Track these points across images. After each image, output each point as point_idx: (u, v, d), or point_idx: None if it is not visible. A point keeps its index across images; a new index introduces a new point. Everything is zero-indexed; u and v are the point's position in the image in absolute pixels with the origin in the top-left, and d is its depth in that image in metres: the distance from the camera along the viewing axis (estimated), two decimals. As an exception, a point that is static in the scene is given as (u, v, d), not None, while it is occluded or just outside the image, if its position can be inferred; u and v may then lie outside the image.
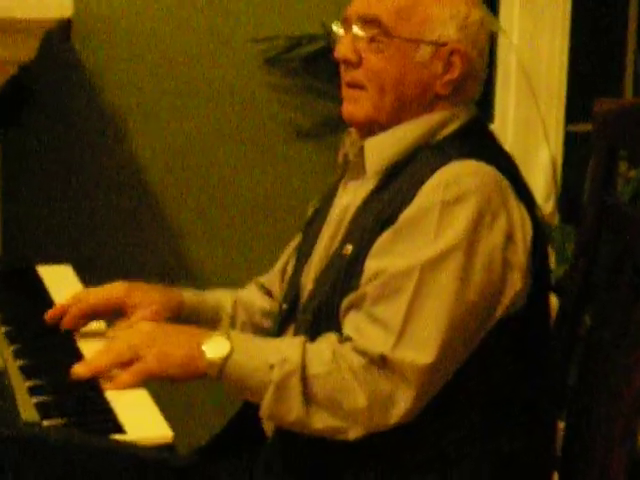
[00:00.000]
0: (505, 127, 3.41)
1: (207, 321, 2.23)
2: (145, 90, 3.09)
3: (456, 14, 2.01)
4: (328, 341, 1.94)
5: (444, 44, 1.98)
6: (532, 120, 3.32)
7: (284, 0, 3.13)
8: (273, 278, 2.32)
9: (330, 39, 2.22)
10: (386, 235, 1.93)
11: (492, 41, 3.26)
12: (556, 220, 3.23)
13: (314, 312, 2.06)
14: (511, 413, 2.03)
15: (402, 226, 1.94)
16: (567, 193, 3.32)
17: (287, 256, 2.29)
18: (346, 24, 2.02)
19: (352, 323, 1.94)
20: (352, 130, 2.06)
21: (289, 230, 2.40)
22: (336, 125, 2.29)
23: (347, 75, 2.02)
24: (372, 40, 1.99)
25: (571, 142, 3.41)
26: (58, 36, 2.88)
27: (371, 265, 1.94)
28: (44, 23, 2.74)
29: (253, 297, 2.33)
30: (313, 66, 3.02)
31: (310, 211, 2.25)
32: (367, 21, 1.99)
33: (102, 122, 3.11)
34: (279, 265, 2.30)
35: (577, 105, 3.45)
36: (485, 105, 3.37)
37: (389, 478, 1.98)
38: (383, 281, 1.92)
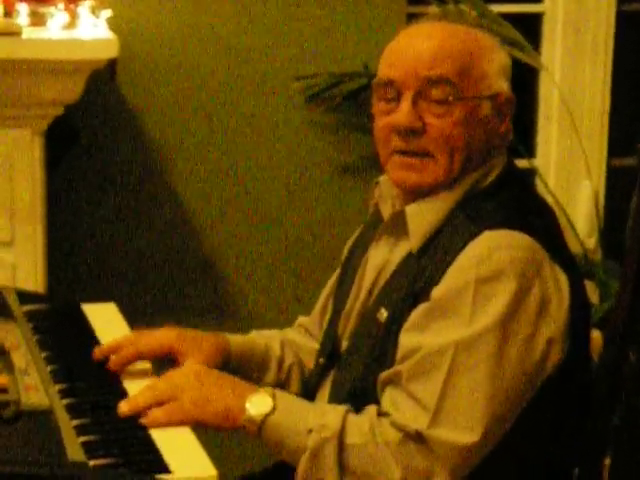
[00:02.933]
0: (547, 162, 3.45)
1: (256, 365, 2.28)
2: (189, 128, 3.13)
3: (503, 65, 2.04)
4: (368, 414, 1.96)
5: (498, 96, 2.01)
6: (575, 155, 3.32)
7: (325, 38, 3.15)
8: (314, 319, 2.36)
9: (370, 77, 2.30)
10: (421, 310, 1.95)
11: (534, 77, 3.25)
12: (599, 255, 3.23)
13: (353, 380, 2.10)
14: (550, 466, 2.06)
15: (437, 304, 1.95)
16: (610, 228, 3.31)
17: (325, 296, 2.32)
18: (401, 88, 1.98)
19: (389, 398, 1.98)
20: (381, 180, 2.07)
21: (331, 266, 2.41)
22: (376, 161, 2.13)
23: (408, 144, 1.98)
24: (440, 102, 1.96)
25: (614, 176, 3.42)
26: (103, 76, 2.91)
27: (405, 341, 1.97)
28: (90, 64, 2.79)
29: (300, 337, 2.38)
30: (354, 103, 3.03)
31: (345, 252, 2.29)
32: (434, 82, 1.96)
33: (147, 161, 3.16)
34: (318, 306, 2.34)
35: (620, 139, 3.44)
36: (527, 140, 3.32)
37: None
38: (418, 359, 1.95)
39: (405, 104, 1.96)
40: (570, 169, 3.39)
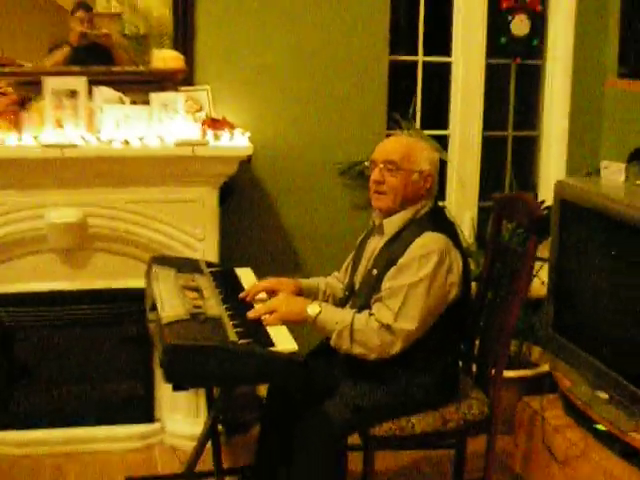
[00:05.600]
0: (450, 204, 4.73)
1: (313, 296, 3.34)
2: (281, 187, 4.48)
3: (427, 157, 3.12)
4: (364, 314, 2.96)
5: (423, 171, 3.08)
6: (461, 199, 4.73)
7: (348, 146, 4.47)
8: (341, 273, 3.45)
9: (367, 166, 3.24)
10: (392, 270, 2.97)
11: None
12: (475, 246, 4.49)
13: (361, 302, 3.11)
14: (447, 347, 3.15)
15: (401, 266, 2.96)
16: (481, 235, 4.50)
17: (347, 263, 3.40)
18: (375, 162, 3.11)
19: (375, 307, 2.98)
20: (376, 210, 3.15)
21: (351, 248, 3.47)
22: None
23: (378, 187, 3.09)
24: (390, 170, 3.05)
25: (482, 211, 4.67)
26: (245, 162, 4.03)
27: (385, 284, 2.98)
28: (240, 157, 3.97)
29: (334, 281, 3.46)
30: (363, 176, 4.10)
31: (358, 242, 3.37)
32: (388, 162, 3.06)
33: (260, 200, 4.47)
34: (343, 267, 3.42)
35: (487, 189, 4.63)
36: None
37: (392, 374, 3.03)
38: (391, 290, 2.96)
39: (377, 170, 3.08)
40: (460, 207, 4.78)
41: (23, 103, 3.90)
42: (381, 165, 3.08)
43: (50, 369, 4.26)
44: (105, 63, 4.16)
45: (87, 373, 4.28)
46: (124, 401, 4.31)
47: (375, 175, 3.09)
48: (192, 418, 4.29)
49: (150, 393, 4.33)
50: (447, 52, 4.71)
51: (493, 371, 3.26)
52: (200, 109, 4.10)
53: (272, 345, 2.83)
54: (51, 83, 3.92)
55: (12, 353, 4.16)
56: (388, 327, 2.91)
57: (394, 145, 3.12)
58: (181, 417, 4.32)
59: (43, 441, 4.21)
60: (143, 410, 4.34)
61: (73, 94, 3.93)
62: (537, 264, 4.05)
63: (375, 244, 3.17)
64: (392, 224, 3.11)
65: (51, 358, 4.23)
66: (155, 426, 4.32)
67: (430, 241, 2.96)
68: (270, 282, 3.31)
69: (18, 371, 4.19)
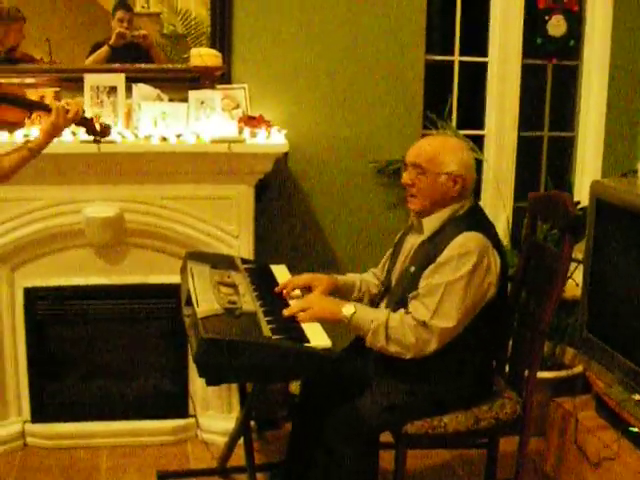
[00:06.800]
0: (484, 204, 4.67)
1: (348, 291, 3.38)
2: (315, 184, 4.51)
3: (455, 157, 3.09)
4: (399, 313, 2.97)
5: (451, 173, 3.06)
6: (497, 200, 4.69)
7: (385, 140, 4.48)
8: (379, 269, 3.46)
9: (402, 166, 3.34)
10: (430, 268, 2.98)
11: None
12: (510, 246, 4.43)
13: (396, 299, 3.12)
14: (481, 346, 3.13)
15: (439, 264, 2.96)
16: (515, 236, 4.50)
17: (385, 259, 3.42)
18: (405, 164, 3.14)
19: (412, 305, 2.99)
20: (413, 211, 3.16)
21: (385, 246, 3.54)
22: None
23: (408, 190, 3.12)
24: (418, 174, 3.07)
25: (517, 211, 4.65)
26: (281, 159, 4.12)
27: (423, 281, 2.99)
28: (276, 154, 4.00)
29: (370, 278, 3.46)
30: (398, 175, 4.05)
31: (396, 239, 3.40)
32: (414, 165, 3.09)
33: (294, 195, 4.48)
34: (381, 264, 3.45)
35: (522, 190, 4.56)
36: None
37: (425, 373, 3.04)
38: (428, 288, 2.97)
39: (406, 173, 3.11)
40: (495, 207, 4.74)
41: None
42: (410, 167, 3.10)
43: (84, 363, 4.32)
44: (143, 63, 4.25)
45: (122, 368, 4.33)
46: (158, 396, 4.35)
47: (404, 177, 3.13)
48: (225, 414, 4.32)
49: (184, 388, 4.36)
50: (483, 52, 4.74)
51: (526, 371, 3.26)
52: (237, 107, 4.13)
53: (306, 341, 2.86)
54: (91, 80, 3.99)
55: (48, 347, 4.22)
56: (424, 324, 2.91)
57: (422, 147, 3.11)
58: (214, 412, 4.36)
59: (77, 434, 4.27)
60: (177, 405, 4.37)
61: (112, 91, 4.01)
62: (572, 265, 3.92)
63: (413, 242, 3.18)
64: (431, 223, 3.12)
65: (86, 352, 4.28)
66: (189, 421, 4.35)
67: (469, 240, 2.96)
68: (305, 278, 3.34)
69: (53, 365, 4.25)
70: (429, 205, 3.09)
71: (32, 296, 4.13)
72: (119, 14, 4.21)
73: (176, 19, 4.25)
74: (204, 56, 4.12)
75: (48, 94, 3.84)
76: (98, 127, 3.28)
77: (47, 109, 3.14)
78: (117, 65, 4.20)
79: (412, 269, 3.08)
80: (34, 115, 3.52)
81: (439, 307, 2.92)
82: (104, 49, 4.24)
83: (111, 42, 4.23)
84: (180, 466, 4.05)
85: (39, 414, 4.28)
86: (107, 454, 4.17)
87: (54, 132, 3.16)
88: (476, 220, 3.08)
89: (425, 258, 3.02)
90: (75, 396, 4.31)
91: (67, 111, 3.12)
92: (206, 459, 4.11)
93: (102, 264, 4.13)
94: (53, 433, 4.27)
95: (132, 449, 4.22)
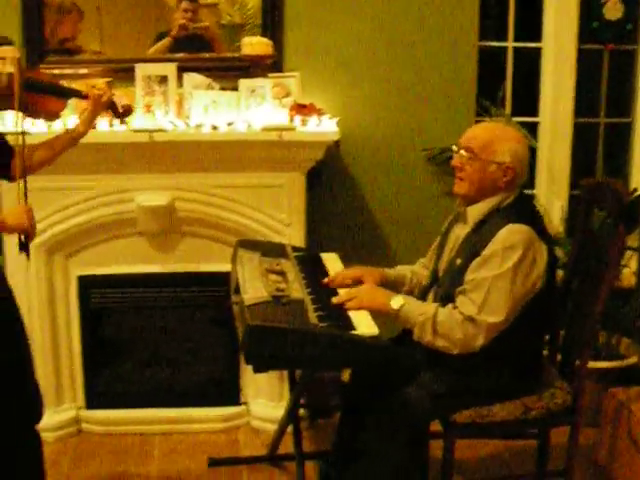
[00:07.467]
0: (539, 192, 4.68)
1: (398, 285, 3.38)
2: (368, 171, 4.48)
3: (510, 148, 3.02)
4: (447, 307, 2.96)
5: (502, 164, 3.01)
6: (551, 188, 4.67)
7: (437, 127, 4.46)
8: (427, 260, 3.46)
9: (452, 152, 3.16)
10: (476, 261, 2.95)
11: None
12: (564, 234, 4.41)
13: (443, 292, 3.09)
14: (529, 337, 3.10)
15: (484, 258, 2.93)
16: (570, 223, 4.41)
17: (432, 249, 3.40)
18: (458, 146, 3.07)
19: (459, 300, 2.96)
20: (459, 199, 3.14)
21: (438, 235, 3.45)
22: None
23: (457, 173, 3.09)
24: (469, 158, 3.02)
25: (573, 199, 4.60)
26: (333, 146, 4.08)
27: (469, 276, 2.95)
28: (327, 142, 4.00)
29: (420, 269, 3.47)
30: (448, 161, 3.45)
31: (443, 228, 3.36)
32: (467, 149, 3.03)
33: (345, 183, 4.49)
34: (429, 254, 3.43)
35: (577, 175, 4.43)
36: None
37: (473, 364, 3.00)
38: (474, 282, 2.93)
39: (457, 156, 3.06)
40: (549, 195, 4.73)
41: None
42: (462, 151, 3.05)
43: (137, 351, 4.37)
44: (206, 54, 4.29)
45: (174, 355, 4.37)
46: (210, 383, 4.39)
47: (454, 160, 3.09)
48: (276, 401, 4.34)
49: (236, 376, 4.39)
50: (538, 37, 4.68)
51: (578, 361, 3.22)
52: (287, 95, 4.13)
53: (352, 329, 2.86)
54: (142, 69, 4.03)
55: (101, 334, 4.28)
56: (471, 319, 2.89)
57: (477, 132, 3.07)
58: (265, 400, 4.38)
59: (130, 421, 4.32)
60: (229, 393, 4.40)
61: (163, 80, 4.03)
62: (628, 253, 3.99)
63: (459, 232, 3.16)
64: (475, 212, 3.08)
65: (139, 340, 4.34)
66: (240, 409, 4.38)
67: (514, 233, 2.91)
68: (355, 270, 3.33)
69: (107, 352, 4.31)
70: (474, 192, 3.05)
71: (86, 284, 4.19)
72: (184, 4, 4.23)
73: (233, 9, 4.26)
74: (255, 45, 4.15)
75: (99, 84, 3.78)
76: (120, 109, 3.29)
77: (82, 96, 3.15)
78: (167, 55, 4.26)
79: (458, 261, 3.06)
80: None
81: (486, 302, 2.89)
82: (166, 40, 4.26)
83: (173, 33, 4.26)
84: (231, 453, 4.08)
85: (93, 401, 4.34)
86: (159, 441, 4.22)
87: (93, 118, 3.20)
88: (522, 211, 3.04)
89: (471, 251, 2.99)
90: (128, 383, 4.36)
91: (100, 95, 3.14)
92: (256, 446, 4.14)
93: (154, 252, 4.17)
94: (106, 419, 4.33)
95: (184, 436, 4.25)
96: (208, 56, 4.29)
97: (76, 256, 4.16)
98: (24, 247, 2.87)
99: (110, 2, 4.22)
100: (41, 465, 3.17)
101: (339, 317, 2.95)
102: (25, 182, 2.88)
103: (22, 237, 2.87)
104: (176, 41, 4.26)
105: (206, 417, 4.33)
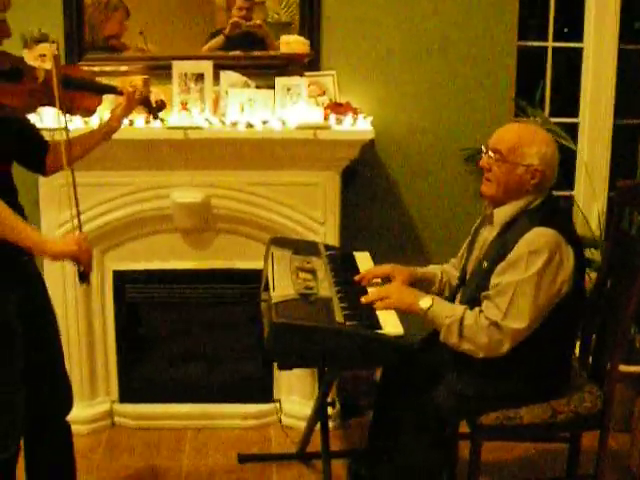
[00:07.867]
0: (579, 196, 4.62)
1: (428, 284, 3.38)
2: (402, 170, 4.47)
3: (538, 151, 2.99)
4: (475, 311, 2.95)
5: (530, 166, 2.97)
6: (590, 192, 4.61)
7: (474, 127, 4.43)
8: (457, 260, 3.46)
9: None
10: (501, 266, 2.93)
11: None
12: (602, 237, 4.36)
13: (468, 296, 3.09)
14: (557, 341, 3.07)
15: (509, 262, 2.90)
16: (607, 226, 4.36)
17: (462, 250, 3.41)
18: (486, 147, 3.06)
19: (485, 305, 2.96)
20: (487, 201, 3.13)
21: (466, 236, 3.47)
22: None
23: (485, 173, 3.07)
24: (496, 160, 3.00)
25: (610, 201, 4.45)
26: (368, 145, 4.09)
27: (494, 280, 2.94)
28: (362, 140, 3.98)
29: (450, 269, 3.47)
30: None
31: (472, 228, 3.36)
32: (495, 150, 3.01)
33: (380, 182, 4.48)
34: (459, 254, 3.43)
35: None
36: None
37: (500, 366, 2.98)
38: (499, 287, 2.92)
39: (485, 156, 3.06)
40: (588, 197, 4.70)
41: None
42: (490, 152, 3.03)
43: (171, 346, 4.42)
44: (258, 52, 4.31)
45: (207, 351, 4.40)
46: (243, 380, 4.41)
47: (482, 160, 3.07)
48: (308, 399, 4.34)
49: (269, 373, 4.40)
50: (578, 38, 4.65)
51: (609, 364, 3.19)
52: (323, 93, 4.15)
53: (379, 328, 2.87)
54: (178, 67, 4.05)
55: (136, 329, 4.32)
56: (497, 325, 2.88)
57: (506, 134, 3.03)
58: (298, 398, 4.39)
59: (163, 415, 4.36)
60: (261, 390, 4.42)
61: (199, 78, 4.06)
62: None
63: (487, 234, 3.14)
64: (502, 214, 3.06)
65: (173, 335, 4.38)
66: (272, 406, 4.40)
67: (539, 236, 2.89)
68: (385, 268, 3.33)
69: (141, 347, 4.35)
70: (502, 193, 3.03)
71: (121, 279, 4.23)
72: (239, 2, 4.24)
73: (279, 7, 4.28)
74: (292, 43, 4.16)
75: (137, 81, 3.85)
76: (154, 104, 3.30)
77: (118, 92, 3.17)
78: (203, 52, 4.27)
79: (485, 264, 3.04)
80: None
81: (510, 307, 2.87)
82: (219, 38, 4.29)
83: (226, 32, 4.28)
84: (261, 450, 4.10)
85: (127, 395, 4.38)
86: (190, 436, 4.25)
87: (126, 114, 3.22)
88: (549, 214, 3.00)
89: (497, 254, 2.97)
90: (161, 378, 4.40)
91: (134, 92, 3.17)
92: (287, 444, 4.16)
93: (189, 249, 4.19)
94: (140, 413, 4.37)
95: (215, 431, 4.29)
96: (245, 54, 4.33)
97: (112, 251, 4.20)
98: (82, 277, 2.78)
99: (156, 0, 4.26)
100: (71, 456, 3.20)
101: (366, 316, 2.95)
102: (74, 183, 2.84)
103: (80, 267, 2.76)
104: (229, 39, 4.29)
105: (238, 413, 4.35)
